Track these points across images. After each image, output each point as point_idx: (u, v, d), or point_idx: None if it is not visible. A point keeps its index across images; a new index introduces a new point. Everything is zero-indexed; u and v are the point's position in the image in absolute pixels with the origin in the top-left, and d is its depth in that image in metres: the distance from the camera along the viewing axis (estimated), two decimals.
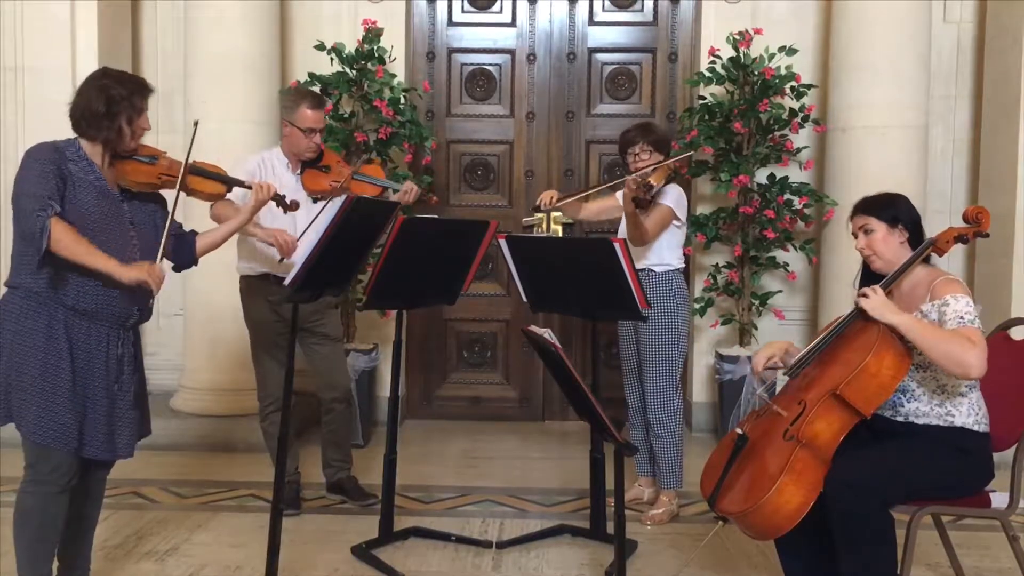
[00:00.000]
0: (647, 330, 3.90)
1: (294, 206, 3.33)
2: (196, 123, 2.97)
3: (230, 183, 3.08)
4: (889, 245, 2.74)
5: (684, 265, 4.07)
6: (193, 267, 3.07)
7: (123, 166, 2.82)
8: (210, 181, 3.02)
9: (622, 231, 4.02)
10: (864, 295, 2.64)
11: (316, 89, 4.95)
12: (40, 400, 2.64)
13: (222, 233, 3.07)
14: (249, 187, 3.11)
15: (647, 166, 3.87)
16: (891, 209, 2.76)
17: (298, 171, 3.88)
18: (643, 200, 3.71)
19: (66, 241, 2.58)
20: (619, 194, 4.12)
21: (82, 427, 2.69)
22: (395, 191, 3.99)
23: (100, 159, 2.76)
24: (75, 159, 2.70)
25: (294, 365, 3.21)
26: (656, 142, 3.96)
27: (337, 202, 3.15)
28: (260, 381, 3.97)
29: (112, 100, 2.71)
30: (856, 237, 2.80)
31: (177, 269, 3.07)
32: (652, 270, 3.92)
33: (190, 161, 2.92)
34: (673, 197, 3.90)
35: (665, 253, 3.93)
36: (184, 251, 2.99)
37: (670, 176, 3.89)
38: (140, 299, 2.76)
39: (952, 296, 2.60)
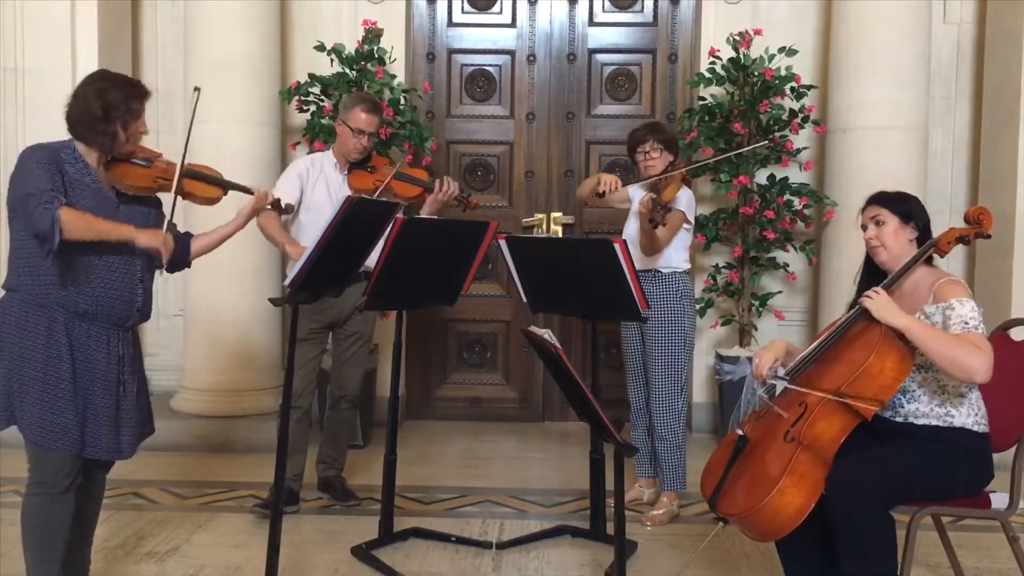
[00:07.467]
0: (653, 332, 3.90)
1: (288, 209, 3.51)
2: (197, 90, 2.88)
3: (226, 186, 3.02)
4: (899, 239, 2.75)
5: (690, 267, 4.07)
6: (185, 268, 3.06)
7: (119, 169, 2.80)
8: (206, 185, 2.97)
9: (628, 230, 4.01)
10: (869, 296, 2.64)
11: (316, 90, 4.99)
12: (41, 402, 2.64)
13: (217, 237, 3.05)
14: (251, 192, 3.08)
15: (657, 166, 3.89)
16: (905, 205, 2.79)
17: (345, 171, 4.00)
18: (660, 221, 3.63)
19: (78, 224, 2.57)
20: (630, 188, 4.12)
21: (83, 428, 2.69)
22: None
23: (96, 162, 2.75)
24: (71, 161, 2.69)
25: (299, 371, 3.22)
26: (666, 141, 3.98)
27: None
28: (289, 381, 3.96)
29: (109, 104, 2.69)
30: (865, 229, 2.81)
31: (170, 270, 3.05)
32: (659, 271, 3.92)
33: (187, 164, 2.87)
34: (684, 202, 3.89)
35: (672, 255, 3.92)
36: (178, 252, 2.96)
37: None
38: (143, 298, 2.79)
39: (957, 300, 2.59)
